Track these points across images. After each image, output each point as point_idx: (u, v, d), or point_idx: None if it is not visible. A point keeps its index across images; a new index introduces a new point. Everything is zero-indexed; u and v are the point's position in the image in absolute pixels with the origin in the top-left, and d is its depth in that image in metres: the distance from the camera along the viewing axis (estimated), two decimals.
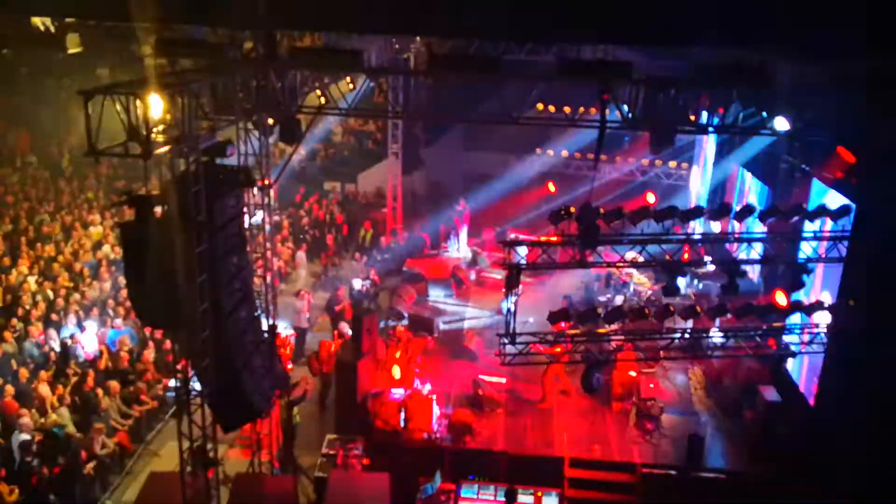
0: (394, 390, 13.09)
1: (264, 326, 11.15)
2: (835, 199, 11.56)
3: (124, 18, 9.86)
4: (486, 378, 14.03)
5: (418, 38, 16.85)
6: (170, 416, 13.57)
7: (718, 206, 13.04)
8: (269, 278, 11.85)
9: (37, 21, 12.16)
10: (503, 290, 10.68)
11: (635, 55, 10.88)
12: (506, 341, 10.60)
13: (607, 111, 9.59)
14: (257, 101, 10.37)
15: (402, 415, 12.53)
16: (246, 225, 10.47)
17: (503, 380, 14.13)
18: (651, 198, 17.65)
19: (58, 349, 13.92)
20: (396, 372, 13.64)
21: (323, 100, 11.76)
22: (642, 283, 17.67)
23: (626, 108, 10.15)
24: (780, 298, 11.04)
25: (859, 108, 9.20)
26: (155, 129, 7.64)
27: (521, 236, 17.73)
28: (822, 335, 11.16)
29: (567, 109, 16.45)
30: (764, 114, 9.86)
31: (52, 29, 12.17)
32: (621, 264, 12.54)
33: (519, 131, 19.80)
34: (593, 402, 13.56)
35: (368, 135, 27.89)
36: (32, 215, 19.63)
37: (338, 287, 17.72)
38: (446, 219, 21.49)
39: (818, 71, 9.16)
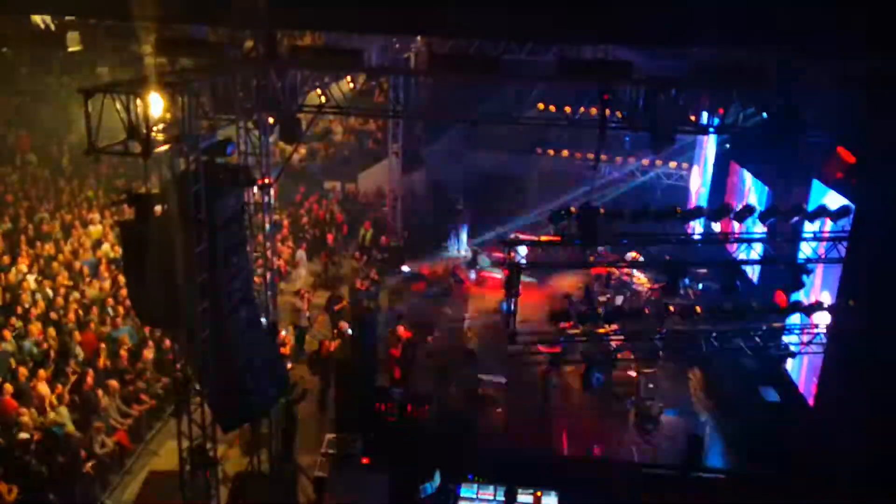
0: None
1: (264, 326, 11.15)
2: (835, 200, 11.56)
3: (124, 17, 9.86)
4: (487, 378, 14.03)
5: (418, 38, 16.84)
6: (169, 415, 13.56)
7: (718, 206, 13.03)
8: (269, 278, 11.85)
9: (37, 19, 12.16)
10: (503, 289, 10.69)
11: (635, 55, 10.86)
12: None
13: (607, 111, 9.59)
14: (257, 100, 10.38)
15: None
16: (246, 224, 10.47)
17: (503, 380, 14.14)
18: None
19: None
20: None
21: (323, 99, 11.76)
22: (642, 282, 17.66)
23: (626, 108, 10.15)
24: (780, 299, 11.04)
25: (859, 108, 9.20)
26: (155, 128, 7.65)
27: (521, 236, 17.73)
28: (822, 335, 11.16)
29: (567, 109, 16.46)
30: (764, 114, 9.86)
31: (52, 27, 12.16)
32: (621, 264, 12.54)
33: (519, 131, 19.96)
34: (593, 401, 13.56)
35: (369, 134, 27.87)
36: (32, 214, 19.58)
37: (338, 286, 17.72)
38: (446, 218, 21.47)
39: (818, 71, 9.16)
